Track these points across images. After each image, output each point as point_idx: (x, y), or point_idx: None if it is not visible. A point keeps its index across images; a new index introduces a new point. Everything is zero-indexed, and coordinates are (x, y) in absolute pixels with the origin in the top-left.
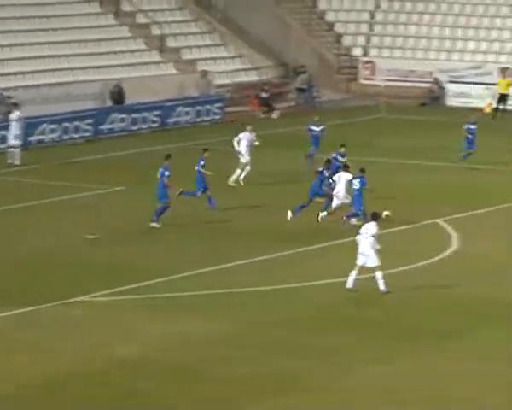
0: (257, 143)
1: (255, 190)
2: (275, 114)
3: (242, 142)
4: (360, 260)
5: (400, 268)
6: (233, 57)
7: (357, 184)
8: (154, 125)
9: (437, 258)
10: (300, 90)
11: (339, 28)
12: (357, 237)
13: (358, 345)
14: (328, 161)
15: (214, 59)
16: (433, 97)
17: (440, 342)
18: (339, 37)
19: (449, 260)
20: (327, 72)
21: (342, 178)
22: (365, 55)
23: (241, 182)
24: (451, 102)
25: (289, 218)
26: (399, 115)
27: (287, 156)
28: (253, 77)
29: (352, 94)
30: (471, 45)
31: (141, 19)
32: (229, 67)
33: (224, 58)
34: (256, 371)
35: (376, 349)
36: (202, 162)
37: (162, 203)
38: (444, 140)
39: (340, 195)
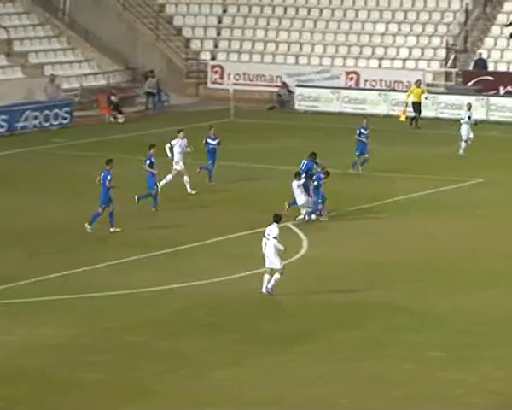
0: (189, 149)
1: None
2: (121, 119)
3: (175, 148)
4: (267, 263)
5: (253, 271)
6: (81, 61)
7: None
8: (2, 129)
9: (287, 261)
10: (149, 94)
11: (187, 32)
12: (264, 241)
13: (210, 349)
14: (298, 174)
15: (62, 63)
16: (282, 101)
17: (291, 345)
18: (187, 41)
19: (298, 263)
20: (175, 76)
21: (294, 186)
22: (213, 59)
23: (192, 192)
24: (299, 105)
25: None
26: (248, 119)
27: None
28: (101, 81)
29: (200, 98)
30: (318, 49)
31: None
32: (77, 71)
33: (71, 62)
34: (109, 377)
35: (227, 354)
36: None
37: (101, 209)
38: (292, 143)
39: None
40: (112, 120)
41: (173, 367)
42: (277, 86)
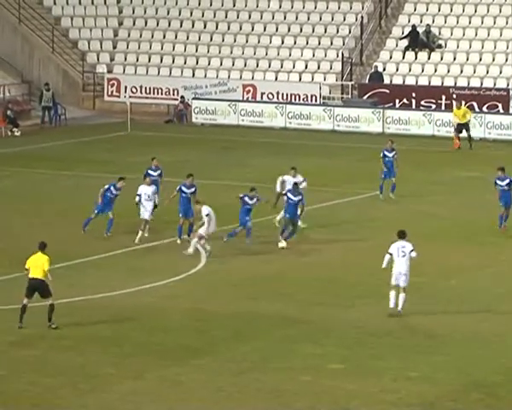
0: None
1: None
2: (17, 132)
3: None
4: (397, 281)
5: (151, 285)
6: None
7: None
8: None
9: (183, 275)
10: (45, 108)
11: (83, 45)
12: (395, 258)
13: (108, 363)
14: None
15: None
16: (179, 114)
17: (191, 357)
18: (83, 54)
19: (195, 277)
20: (72, 89)
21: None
22: (110, 72)
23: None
24: (197, 118)
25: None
26: (145, 132)
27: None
28: None
29: (97, 111)
30: (215, 62)
31: None
32: None
33: None
34: (4, 390)
35: (125, 367)
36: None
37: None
38: (188, 156)
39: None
40: (8, 133)
41: (71, 381)
42: (174, 99)
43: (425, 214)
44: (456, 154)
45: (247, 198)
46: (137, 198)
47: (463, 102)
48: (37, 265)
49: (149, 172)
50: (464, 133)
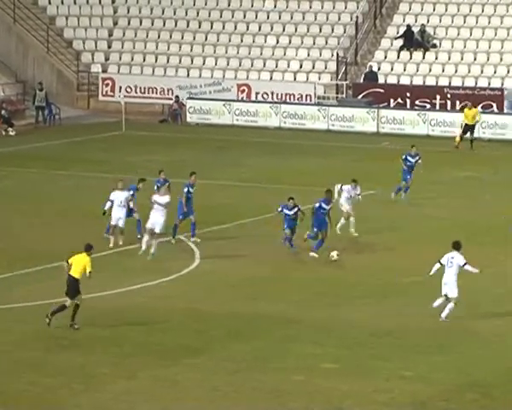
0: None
1: None
2: (12, 132)
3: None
4: (444, 290)
5: (143, 284)
6: None
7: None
8: None
9: (179, 274)
10: (38, 107)
11: (77, 45)
12: (445, 267)
13: (102, 363)
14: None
15: None
16: (173, 114)
17: (185, 356)
18: (78, 54)
19: (190, 276)
20: (67, 89)
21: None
22: (104, 71)
23: None
24: (191, 118)
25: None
26: (139, 132)
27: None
28: None
29: (92, 111)
30: (209, 62)
31: None
32: None
33: None
34: (1, 391)
35: (120, 367)
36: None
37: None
38: (181, 156)
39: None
40: (3, 133)
41: (67, 381)
42: (169, 99)
43: (424, 215)
44: (452, 154)
45: (285, 210)
46: (109, 204)
47: (466, 103)
48: (78, 264)
49: (158, 185)
50: (468, 134)
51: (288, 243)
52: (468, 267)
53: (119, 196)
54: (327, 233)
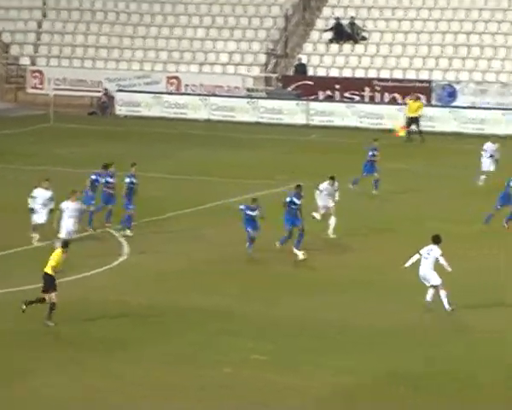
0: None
1: None
2: None
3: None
4: (424, 281)
5: (77, 276)
6: None
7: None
8: None
9: (106, 267)
10: None
11: (6, 37)
12: (421, 259)
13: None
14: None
15: None
16: (102, 106)
17: (117, 349)
18: (6, 46)
19: (119, 269)
20: None
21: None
22: (33, 64)
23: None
24: (120, 110)
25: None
26: (68, 124)
27: None
28: None
29: (20, 103)
30: (139, 54)
31: None
32: None
33: None
34: None
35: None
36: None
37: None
38: (110, 148)
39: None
40: None
41: (7, 382)
42: (98, 91)
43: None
44: (385, 147)
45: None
46: (30, 200)
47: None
48: (49, 259)
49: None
50: (415, 127)
51: (248, 243)
52: (442, 260)
53: (41, 195)
54: (303, 227)
